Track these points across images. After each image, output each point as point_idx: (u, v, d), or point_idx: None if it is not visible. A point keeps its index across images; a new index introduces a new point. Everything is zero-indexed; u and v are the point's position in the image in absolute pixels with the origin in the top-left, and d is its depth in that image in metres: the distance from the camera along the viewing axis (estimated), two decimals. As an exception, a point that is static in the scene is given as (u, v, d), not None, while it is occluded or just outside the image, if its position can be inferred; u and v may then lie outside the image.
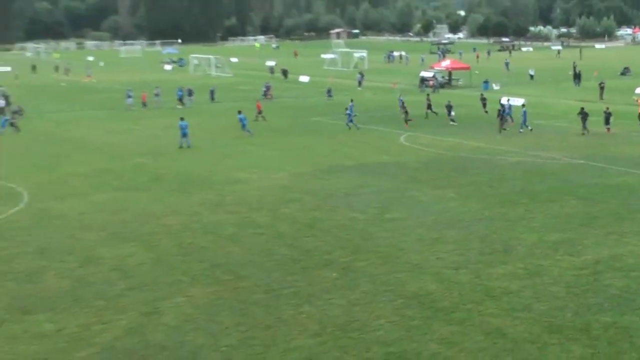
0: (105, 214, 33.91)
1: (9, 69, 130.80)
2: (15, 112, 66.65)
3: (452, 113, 60.39)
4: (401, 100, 63.89)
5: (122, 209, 34.85)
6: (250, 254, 27.57)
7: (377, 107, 70.66)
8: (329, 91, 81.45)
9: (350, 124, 57.85)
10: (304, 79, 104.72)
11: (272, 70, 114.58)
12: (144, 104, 75.41)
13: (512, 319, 21.14)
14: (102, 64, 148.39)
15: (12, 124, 60.52)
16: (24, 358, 19.57)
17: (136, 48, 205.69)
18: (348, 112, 58.64)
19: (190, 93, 77.93)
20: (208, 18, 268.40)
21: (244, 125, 55.08)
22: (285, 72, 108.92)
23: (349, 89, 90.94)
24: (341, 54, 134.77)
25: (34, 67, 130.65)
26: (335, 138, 54.29)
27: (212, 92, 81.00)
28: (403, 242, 28.68)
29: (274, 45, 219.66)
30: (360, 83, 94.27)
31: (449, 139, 52.76)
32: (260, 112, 64.06)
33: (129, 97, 75.47)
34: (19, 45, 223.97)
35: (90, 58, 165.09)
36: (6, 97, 74.35)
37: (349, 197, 36.23)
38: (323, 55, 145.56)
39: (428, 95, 66.71)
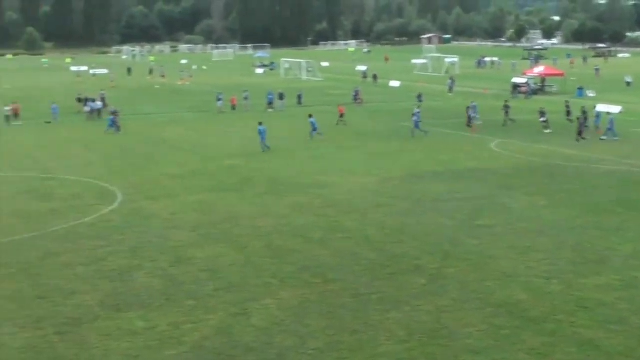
0: (197, 215, 34.38)
1: (105, 71, 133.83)
2: (112, 114, 68.11)
3: (545, 120, 59.31)
4: (474, 106, 63.52)
5: (213, 210, 35.27)
6: (339, 258, 27.57)
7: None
8: (419, 96, 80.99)
9: (417, 130, 57.15)
10: (395, 83, 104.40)
11: (364, 75, 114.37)
12: (233, 107, 76.40)
13: (606, 331, 20.61)
14: (195, 67, 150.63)
15: (113, 124, 61.98)
16: (115, 354, 19.95)
17: (228, 52, 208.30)
18: (415, 118, 57.97)
19: (281, 97, 78.45)
20: (299, 22, 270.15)
21: (314, 130, 54.83)
22: (375, 77, 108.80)
23: (440, 94, 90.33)
24: (432, 59, 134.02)
25: (129, 70, 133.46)
26: (425, 143, 53.92)
27: (299, 97, 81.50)
28: (493, 249, 28.29)
29: (365, 50, 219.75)
30: (451, 88, 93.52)
31: (542, 146, 51.88)
32: (342, 116, 64.16)
33: (219, 100, 76.57)
34: (115, 48, 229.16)
35: (184, 61, 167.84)
36: (103, 99, 76.12)
37: (439, 202, 35.92)
38: (414, 61, 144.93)
39: (506, 102, 65.49)
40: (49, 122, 68.67)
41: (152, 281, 25.46)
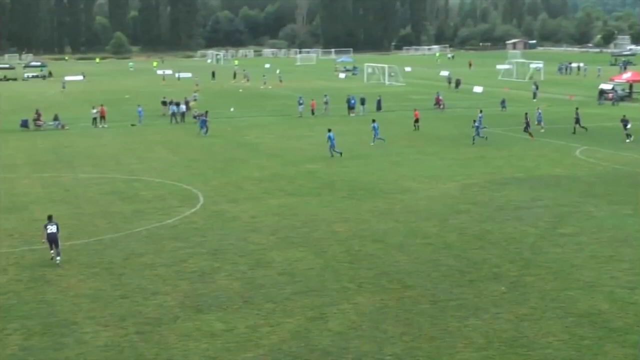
0: (277, 218, 34.62)
1: (189, 75, 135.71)
2: (195, 118, 69.12)
3: (629, 127, 57.95)
4: (538, 114, 62.79)
5: (293, 213, 35.48)
6: (417, 264, 27.45)
7: (552, 120, 68.82)
8: (502, 102, 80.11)
9: (477, 137, 56.46)
10: (478, 89, 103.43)
11: (450, 80, 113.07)
12: (312, 112, 76.63)
13: (692, 344, 20.07)
14: (278, 71, 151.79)
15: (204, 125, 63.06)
16: (194, 355, 20.21)
17: (311, 56, 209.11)
18: (476, 124, 57.18)
19: (362, 102, 78.39)
20: (383, 27, 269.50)
21: (332, 145, 51.45)
22: (458, 82, 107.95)
23: (523, 100, 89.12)
24: (517, 65, 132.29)
25: (213, 74, 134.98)
26: (507, 149, 53.31)
27: (378, 102, 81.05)
28: (575, 258, 27.81)
29: (449, 55, 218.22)
30: (535, 94, 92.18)
31: (627, 154, 50.80)
32: (417, 121, 63.91)
33: (300, 104, 76.99)
34: (200, 52, 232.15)
35: (267, 65, 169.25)
36: (187, 103, 77.04)
37: (520, 210, 35.48)
38: (498, 66, 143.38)
39: (577, 109, 64.05)
40: (134, 125, 70.00)
41: (232, 283, 25.73)
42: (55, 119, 69.70)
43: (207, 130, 62.88)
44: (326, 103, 78.47)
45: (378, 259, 28.14)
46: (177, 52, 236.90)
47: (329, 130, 51.97)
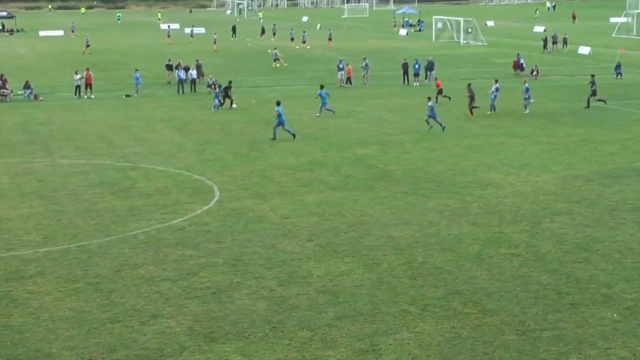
0: (316, 220, 34.66)
1: (202, 30, 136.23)
2: (210, 87, 69.38)
3: None
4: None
5: (337, 213, 35.50)
6: (501, 282, 27.33)
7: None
8: (617, 67, 79.42)
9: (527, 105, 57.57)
10: (584, 50, 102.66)
11: (547, 40, 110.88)
12: (349, 80, 75.94)
13: None
14: (319, 26, 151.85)
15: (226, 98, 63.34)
16: (206, 397, 20.34)
17: (363, 6, 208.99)
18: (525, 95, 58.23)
19: (430, 67, 77.95)
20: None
21: (280, 123, 51.84)
22: (565, 41, 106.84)
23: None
24: (637, 17, 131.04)
25: (233, 29, 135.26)
26: (625, 131, 52.87)
27: (429, 65, 79.46)
28: None
29: (548, 5, 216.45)
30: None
31: None
32: (440, 92, 63.81)
33: (340, 69, 76.72)
34: (217, 0, 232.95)
35: (305, 18, 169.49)
36: (199, 67, 77.23)
37: (639, 211, 35.23)
38: (612, 19, 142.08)
39: (592, 77, 63.09)
40: (129, 96, 70.44)
41: (256, 304, 25.79)
42: (27, 87, 70.25)
43: (219, 104, 62.89)
44: (365, 68, 78.03)
45: (448, 274, 28.07)
46: (188, 0, 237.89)
47: (278, 104, 51.98)
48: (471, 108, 58.71)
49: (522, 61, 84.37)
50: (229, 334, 23.59)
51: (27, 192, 39.68)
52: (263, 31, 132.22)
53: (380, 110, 61.46)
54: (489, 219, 34.33)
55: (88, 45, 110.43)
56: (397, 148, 48.66)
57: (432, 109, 52.98)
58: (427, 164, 44.50)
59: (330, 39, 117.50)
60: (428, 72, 77.39)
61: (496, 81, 61.32)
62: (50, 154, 48.39)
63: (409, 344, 22.79)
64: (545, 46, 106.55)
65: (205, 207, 36.76)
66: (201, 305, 25.80)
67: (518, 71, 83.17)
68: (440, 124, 52.91)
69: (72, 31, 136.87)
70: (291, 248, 31.06)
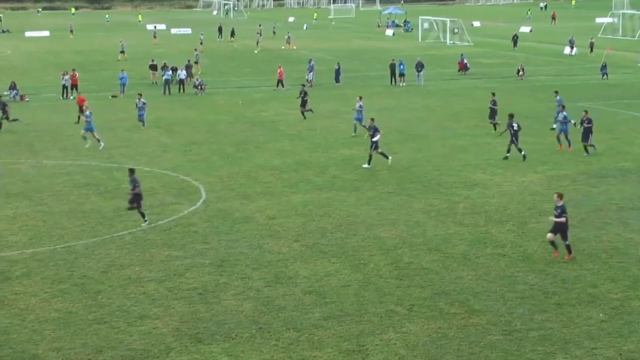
0: (302, 220, 34.67)
1: (189, 31, 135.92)
2: (196, 87, 69.36)
3: None
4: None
5: (324, 214, 35.51)
6: (487, 282, 27.39)
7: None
8: (603, 67, 79.56)
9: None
10: (569, 50, 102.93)
11: (516, 40, 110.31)
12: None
13: None
14: (305, 26, 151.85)
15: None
16: (192, 398, 20.33)
17: (349, 7, 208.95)
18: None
19: (419, 67, 77.63)
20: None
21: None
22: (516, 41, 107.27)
23: (631, 65, 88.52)
24: (623, 18, 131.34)
25: (220, 30, 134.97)
26: (611, 131, 52.94)
27: (418, 64, 79.21)
28: (698, 276, 27.69)
29: (541, 5, 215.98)
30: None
31: None
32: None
33: (311, 70, 76.23)
34: (203, 0, 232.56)
35: (291, 19, 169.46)
36: (188, 68, 76.99)
37: (625, 211, 35.30)
38: (598, 19, 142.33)
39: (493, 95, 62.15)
40: (116, 96, 70.32)
41: (242, 305, 25.81)
42: (12, 87, 70.10)
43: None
44: (310, 69, 77.45)
45: (435, 275, 28.11)
46: (173, 0, 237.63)
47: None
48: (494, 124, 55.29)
49: (465, 61, 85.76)
50: (216, 335, 23.61)
51: (12, 194, 39.58)
52: (232, 33, 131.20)
53: (366, 110, 61.29)
54: (475, 219, 34.39)
55: (123, 51, 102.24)
56: (383, 148, 48.48)
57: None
58: (413, 164, 44.54)
59: (289, 42, 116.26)
60: (417, 73, 77.26)
61: (493, 94, 59.53)
62: (35, 154, 48.30)
63: (395, 344, 22.84)
64: (515, 44, 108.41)
65: (192, 208, 36.74)
66: (187, 306, 25.82)
67: (463, 72, 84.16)
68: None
69: (71, 31, 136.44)
70: (277, 249, 31.09)
